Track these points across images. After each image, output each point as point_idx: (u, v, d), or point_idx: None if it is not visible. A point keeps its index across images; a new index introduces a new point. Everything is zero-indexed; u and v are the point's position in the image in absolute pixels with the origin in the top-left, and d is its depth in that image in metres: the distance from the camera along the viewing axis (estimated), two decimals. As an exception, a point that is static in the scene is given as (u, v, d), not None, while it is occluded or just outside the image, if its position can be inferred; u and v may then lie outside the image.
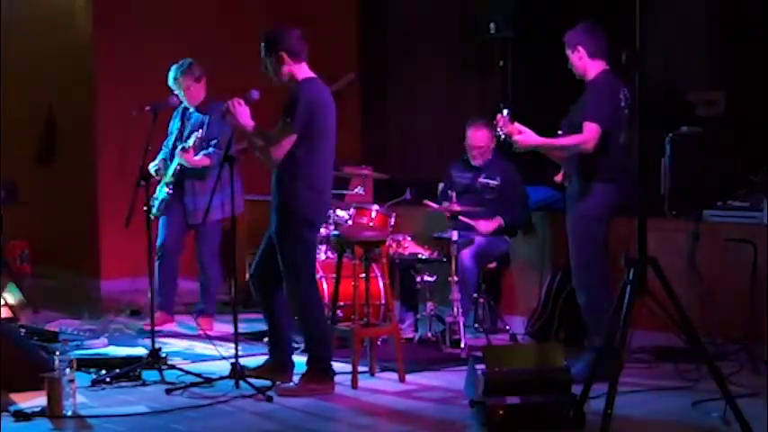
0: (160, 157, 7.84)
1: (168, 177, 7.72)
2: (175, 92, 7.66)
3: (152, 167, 7.70)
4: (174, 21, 10.16)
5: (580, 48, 6.28)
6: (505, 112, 6.24)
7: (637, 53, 4.99)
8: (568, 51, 6.33)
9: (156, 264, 7.73)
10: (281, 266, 6.04)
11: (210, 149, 7.62)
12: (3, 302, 7.66)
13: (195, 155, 7.59)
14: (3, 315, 7.02)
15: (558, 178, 6.54)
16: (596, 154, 6.15)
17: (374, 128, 10.25)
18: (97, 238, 9.89)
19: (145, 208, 6.88)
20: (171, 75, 7.74)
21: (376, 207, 7.05)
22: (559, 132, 6.33)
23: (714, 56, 8.04)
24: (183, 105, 7.79)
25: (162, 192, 7.76)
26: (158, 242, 7.77)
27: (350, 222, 6.94)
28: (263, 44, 6.10)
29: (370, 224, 6.90)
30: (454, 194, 7.24)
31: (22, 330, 7.21)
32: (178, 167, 7.67)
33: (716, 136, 7.24)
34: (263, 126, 6.09)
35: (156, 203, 7.74)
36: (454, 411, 5.65)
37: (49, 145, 10.59)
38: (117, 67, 9.58)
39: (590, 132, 6.12)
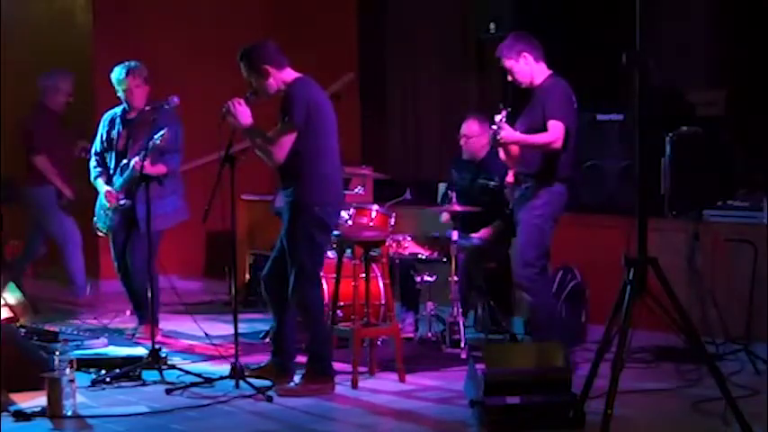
0: (104, 189, 7.39)
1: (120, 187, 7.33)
2: (117, 92, 7.43)
3: (113, 193, 7.36)
4: (174, 21, 10.16)
5: (525, 54, 6.29)
6: (505, 112, 6.26)
7: (637, 53, 4.99)
8: (511, 62, 6.31)
9: (122, 284, 7.56)
10: (289, 264, 6.04)
11: (169, 157, 7.27)
12: (3, 302, 7.64)
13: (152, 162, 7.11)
14: (3, 315, 7.01)
15: (510, 179, 6.53)
16: (559, 153, 6.19)
17: (374, 128, 10.24)
18: (97, 238, 9.86)
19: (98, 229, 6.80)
20: (116, 74, 7.42)
21: (376, 207, 7.03)
22: None
23: (714, 56, 8.04)
24: (120, 112, 7.48)
25: (111, 204, 7.36)
26: (115, 263, 7.52)
27: (350, 222, 6.93)
28: (244, 64, 6.08)
29: (370, 224, 6.89)
30: (454, 195, 7.24)
31: (22, 330, 7.21)
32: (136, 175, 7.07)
33: (716, 136, 7.24)
34: (265, 128, 6.09)
35: (105, 218, 7.45)
36: (454, 411, 5.65)
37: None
38: (117, 67, 9.57)
39: (557, 131, 6.16)
